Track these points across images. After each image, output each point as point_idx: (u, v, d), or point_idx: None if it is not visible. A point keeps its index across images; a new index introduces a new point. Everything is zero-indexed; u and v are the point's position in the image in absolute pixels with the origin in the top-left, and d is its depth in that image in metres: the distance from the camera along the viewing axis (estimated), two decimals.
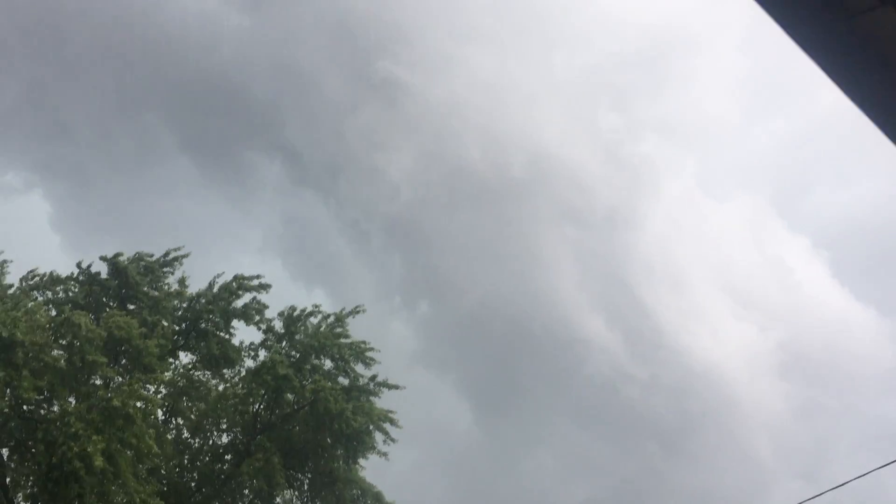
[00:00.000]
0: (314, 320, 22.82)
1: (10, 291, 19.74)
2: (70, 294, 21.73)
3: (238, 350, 22.47)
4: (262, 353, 22.50)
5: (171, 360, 22.02)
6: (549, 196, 49.94)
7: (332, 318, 22.80)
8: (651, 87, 57.86)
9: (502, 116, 51.01)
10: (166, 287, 22.81)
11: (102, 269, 22.26)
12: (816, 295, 49.77)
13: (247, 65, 50.67)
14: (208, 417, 22.50)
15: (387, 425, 21.48)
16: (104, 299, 22.10)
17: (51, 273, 21.25)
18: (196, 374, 22.62)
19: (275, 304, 23.16)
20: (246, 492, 21.82)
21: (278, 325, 22.87)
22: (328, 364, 22.37)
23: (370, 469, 22.46)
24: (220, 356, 21.97)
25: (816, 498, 10.60)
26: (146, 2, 50.03)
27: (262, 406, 22.09)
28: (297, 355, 22.12)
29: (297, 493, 22.40)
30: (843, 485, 10.23)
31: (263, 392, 21.46)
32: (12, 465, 19.33)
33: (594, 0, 57.35)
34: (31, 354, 17.46)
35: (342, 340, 22.26)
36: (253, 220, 56.31)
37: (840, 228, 56.70)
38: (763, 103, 63.15)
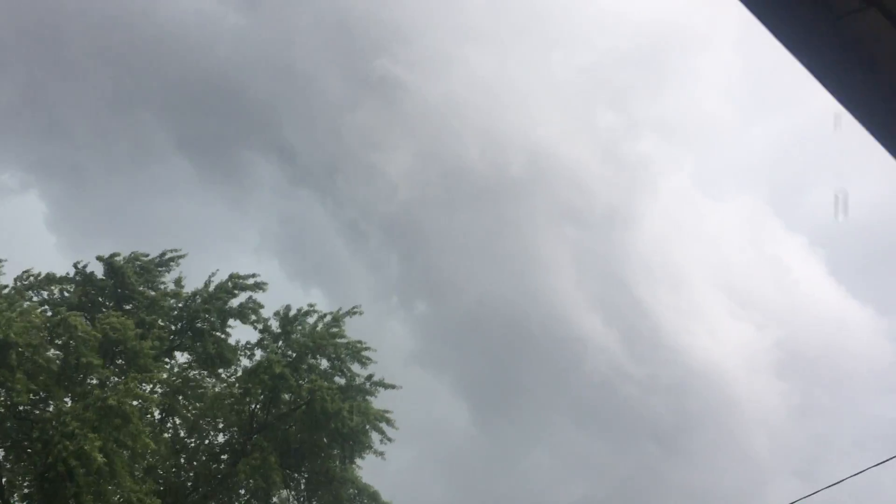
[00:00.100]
0: (311, 320, 22.82)
1: (5, 292, 19.69)
2: (66, 294, 21.70)
3: (234, 349, 22.45)
4: (259, 353, 22.51)
5: (166, 359, 22.00)
6: (548, 195, 49.96)
7: (328, 318, 22.79)
8: (649, 86, 57.81)
9: (501, 116, 51.02)
10: (162, 286, 22.79)
11: (98, 270, 22.27)
12: (813, 293, 49.86)
13: (244, 64, 50.62)
14: (205, 417, 22.48)
15: (383, 425, 21.47)
16: (100, 299, 22.08)
17: (47, 274, 21.18)
18: (192, 373, 22.59)
19: (272, 304, 23.17)
20: (242, 491, 21.81)
21: (275, 325, 22.87)
22: (324, 364, 22.38)
23: (367, 468, 22.49)
24: (216, 355, 21.95)
25: (813, 496, 10.63)
26: (143, 1, 49.97)
27: (258, 406, 22.08)
28: (294, 355, 22.10)
29: (293, 492, 22.40)
30: (839, 482, 10.25)
31: (260, 392, 21.44)
32: (8, 466, 19.30)
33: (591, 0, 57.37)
34: (25, 356, 17.42)
35: (338, 340, 22.24)
36: (250, 220, 56.28)
37: (837, 227, 56.74)
38: (760, 102, 63.25)
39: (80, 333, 18.06)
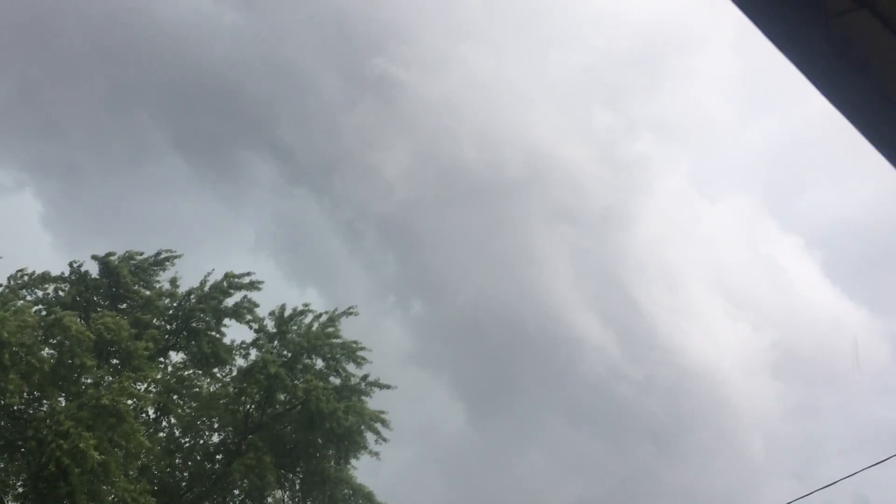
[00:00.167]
0: (306, 320, 22.78)
1: None
2: (61, 294, 21.63)
3: (229, 349, 22.41)
4: (254, 353, 22.47)
5: (161, 359, 21.93)
6: (544, 195, 49.99)
7: (324, 318, 22.76)
8: (645, 86, 57.96)
9: (497, 115, 51.05)
10: (158, 286, 22.74)
11: (94, 269, 22.20)
12: (809, 294, 49.97)
13: (240, 63, 50.58)
14: (200, 416, 22.43)
15: (378, 425, 21.44)
16: (95, 299, 22.02)
17: (41, 273, 21.11)
18: (187, 372, 22.53)
19: (267, 304, 23.15)
20: (236, 492, 21.77)
21: (270, 325, 22.84)
22: (320, 364, 22.34)
23: (363, 468, 22.47)
24: (212, 355, 21.90)
25: (807, 497, 10.63)
26: (140, 0, 49.88)
27: (253, 405, 22.04)
28: (289, 355, 22.06)
29: (288, 493, 22.36)
30: (833, 483, 10.25)
31: (255, 391, 21.40)
32: (2, 465, 19.24)
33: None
34: (19, 356, 17.35)
35: (334, 340, 22.21)
36: (246, 219, 56.26)
37: (832, 228, 56.91)
38: (757, 103, 63.34)
39: (73, 334, 17.99)
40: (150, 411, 21.25)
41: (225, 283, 22.46)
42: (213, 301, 22.18)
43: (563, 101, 53.96)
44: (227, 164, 52.53)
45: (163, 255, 22.77)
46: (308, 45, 49.47)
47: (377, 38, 47.93)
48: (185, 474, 22.38)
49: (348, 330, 22.84)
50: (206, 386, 22.64)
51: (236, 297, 22.50)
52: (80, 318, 20.42)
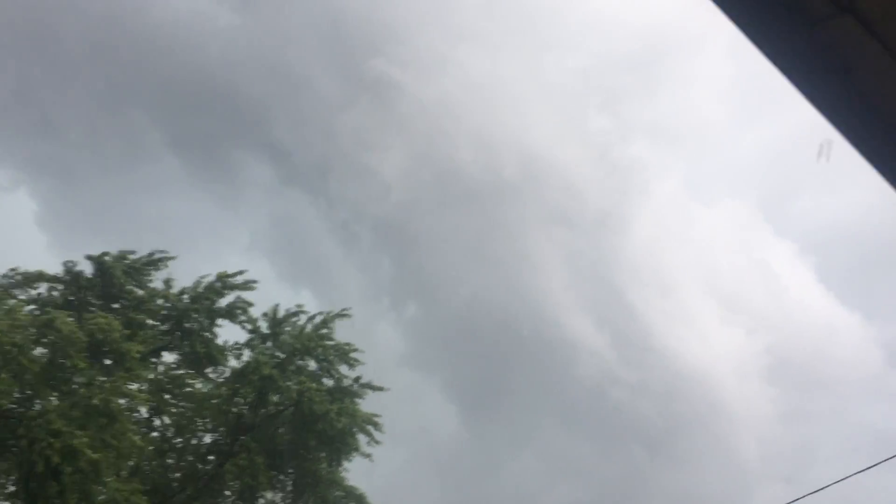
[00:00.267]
0: (300, 321, 22.75)
1: None
2: (54, 294, 21.57)
3: (222, 350, 22.37)
4: (247, 353, 22.42)
5: (153, 359, 21.86)
6: (540, 198, 50.05)
7: (317, 319, 22.74)
8: (641, 90, 58.06)
9: (494, 117, 51.08)
10: (151, 284, 22.68)
11: (88, 269, 22.13)
12: (803, 300, 50.09)
13: (236, 63, 50.49)
14: (192, 416, 22.37)
15: (370, 428, 21.42)
16: (89, 298, 21.95)
17: (34, 272, 21.03)
18: (179, 372, 22.46)
19: (261, 304, 23.10)
20: (228, 493, 21.72)
21: (263, 326, 22.80)
22: (312, 365, 22.31)
23: (357, 470, 22.44)
24: (205, 355, 21.86)
25: (798, 501, 10.64)
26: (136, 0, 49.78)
27: (246, 406, 21.99)
28: (282, 356, 22.04)
29: (280, 494, 22.32)
30: (824, 488, 10.27)
31: (249, 392, 21.36)
32: None
33: (585, 2, 57.54)
34: (10, 355, 17.28)
35: (327, 342, 22.19)
36: (241, 220, 56.08)
37: (826, 234, 57.09)
38: (752, 108, 63.39)
39: (66, 335, 17.92)
40: (143, 411, 21.19)
41: (218, 284, 22.43)
42: (207, 302, 22.14)
43: (559, 103, 54.08)
44: (222, 164, 52.42)
45: (156, 256, 22.71)
46: (304, 45, 49.46)
47: (374, 39, 47.94)
48: (177, 475, 22.32)
49: (342, 332, 22.85)
50: (198, 386, 22.58)
51: (230, 298, 22.50)
52: (73, 317, 20.37)
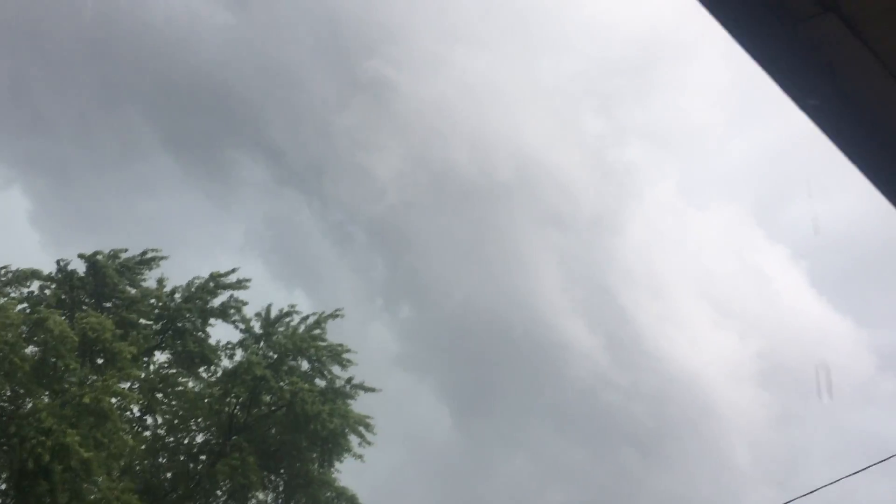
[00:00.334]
0: (293, 322, 22.72)
1: None
2: (47, 292, 21.50)
3: (214, 349, 22.33)
4: (239, 353, 22.38)
5: (144, 358, 21.80)
6: (534, 200, 50.13)
7: (310, 320, 22.72)
8: (636, 93, 58.22)
9: (489, 119, 51.15)
10: (144, 283, 22.64)
11: (80, 267, 22.07)
12: (795, 304, 50.21)
13: (231, 62, 50.49)
14: (184, 415, 22.31)
15: (362, 429, 21.39)
16: (81, 297, 21.89)
17: (25, 270, 20.95)
18: (171, 371, 22.41)
19: (255, 305, 23.11)
20: (219, 493, 21.66)
21: (257, 326, 22.79)
22: (305, 365, 22.28)
23: (349, 471, 22.40)
24: (197, 354, 21.81)
25: None
26: None
27: (238, 406, 21.95)
28: (275, 356, 22.01)
29: (272, 494, 22.27)
30: (812, 492, 10.31)
31: (241, 392, 21.32)
32: None
33: (581, 6, 57.69)
34: (1, 353, 17.21)
35: (319, 343, 22.16)
36: (234, 220, 56.05)
37: (818, 239, 57.20)
38: (746, 113, 63.64)
39: (57, 334, 17.85)
40: (135, 409, 21.14)
41: (211, 284, 22.39)
42: (199, 301, 22.10)
43: (554, 106, 54.17)
44: (216, 163, 52.32)
45: (149, 255, 22.65)
46: (300, 45, 49.48)
47: (370, 40, 47.98)
48: (169, 474, 22.26)
49: (336, 333, 22.84)
50: (190, 385, 22.54)
51: (223, 297, 22.46)
52: (65, 315, 20.31)
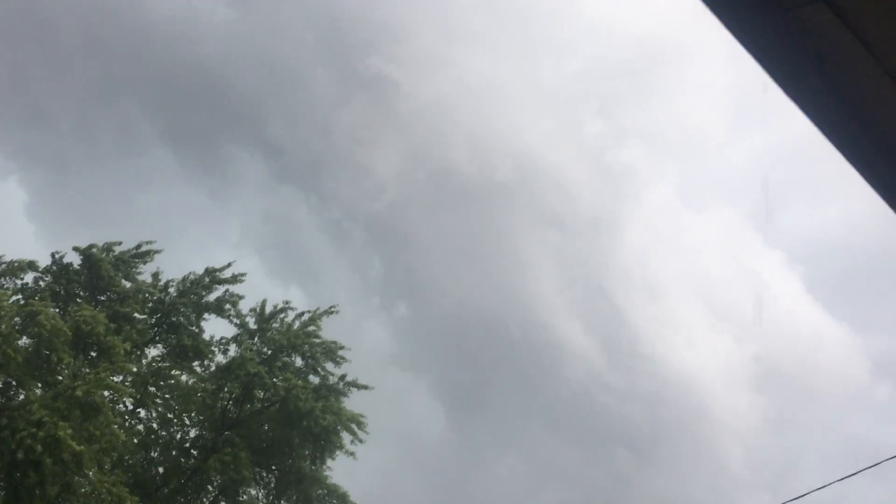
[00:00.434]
0: (287, 318, 22.70)
1: None
2: (41, 284, 21.45)
3: (209, 344, 22.28)
4: (233, 348, 22.34)
5: (137, 352, 21.74)
6: (532, 200, 50.15)
7: (305, 317, 22.67)
8: (637, 96, 58.30)
9: (489, 119, 51.14)
10: (140, 276, 22.58)
11: (75, 260, 22.01)
12: (791, 310, 50.25)
13: (232, 58, 50.40)
14: (177, 409, 22.26)
15: (354, 427, 21.35)
16: (76, 290, 21.83)
17: (20, 262, 20.88)
18: (164, 364, 22.35)
19: (250, 301, 23.05)
20: (210, 488, 21.62)
21: (251, 321, 22.73)
22: (299, 362, 22.25)
23: (341, 469, 22.37)
24: (191, 348, 21.77)
25: None
26: None
27: (231, 402, 21.91)
28: (269, 352, 21.97)
29: (263, 490, 22.24)
30: (803, 495, 10.29)
31: (234, 387, 21.28)
32: None
33: (583, 7, 57.72)
34: None
35: (314, 339, 22.13)
36: (232, 215, 55.97)
37: (815, 245, 57.35)
38: (746, 117, 63.64)
39: (49, 328, 17.78)
40: (128, 403, 21.08)
41: (206, 279, 22.34)
42: (194, 296, 22.05)
43: (554, 107, 54.21)
44: (214, 158, 52.22)
45: (143, 248, 22.58)
46: (301, 41, 49.47)
47: (371, 37, 47.97)
48: (161, 469, 22.21)
49: (331, 330, 22.81)
50: (183, 378, 22.48)
51: (218, 293, 22.42)
52: (59, 308, 20.26)
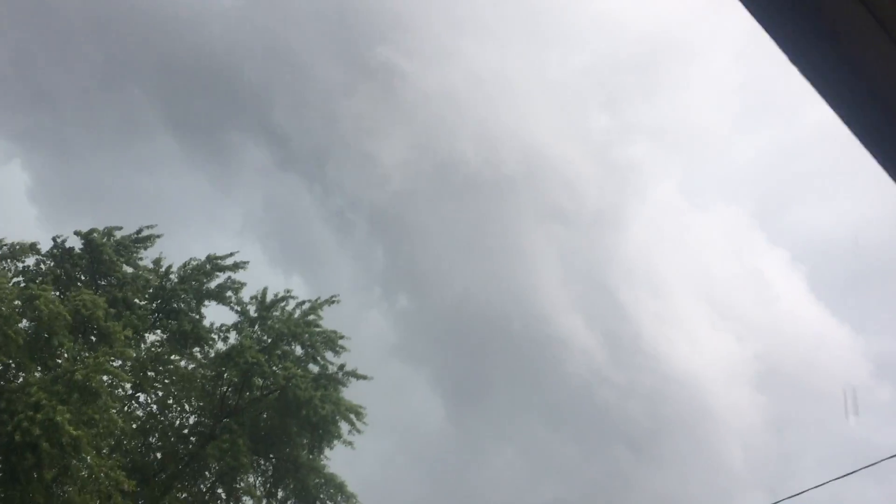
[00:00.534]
0: (288, 306, 22.67)
1: None
2: (42, 267, 21.44)
3: (208, 331, 22.27)
4: (233, 336, 22.33)
5: (137, 336, 21.72)
6: (537, 194, 49.99)
7: (306, 305, 22.65)
8: (643, 91, 58.05)
9: (496, 111, 51.01)
10: (141, 262, 22.57)
11: (77, 244, 21.99)
12: (793, 309, 50.12)
13: (238, 44, 50.24)
14: (176, 394, 22.26)
15: (353, 417, 21.34)
16: (76, 274, 21.82)
17: (21, 244, 20.85)
18: (163, 349, 22.35)
19: (252, 288, 23.05)
20: (207, 474, 21.63)
21: (252, 309, 22.70)
22: (299, 350, 22.22)
23: (339, 459, 22.37)
24: (191, 334, 21.75)
25: None
26: None
27: (230, 389, 21.90)
28: (269, 340, 21.94)
29: (260, 478, 22.25)
30: (800, 493, 10.22)
31: (234, 375, 21.26)
32: None
33: (592, 2, 57.45)
34: None
35: (314, 328, 22.10)
36: (235, 203, 55.88)
37: (819, 244, 57.12)
38: (752, 115, 63.43)
39: (47, 312, 17.76)
40: (127, 387, 21.08)
41: (208, 266, 22.32)
42: (195, 283, 22.03)
43: (561, 101, 54.05)
44: (218, 145, 52.15)
45: (144, 232, 22.54)
46: (308, 29, 49.26)
47: (379, 26, 47.79)
48: (159, 454, 22.22)
49: (332, 320, 22.78)
50: (182, 364, 22.47)
51: (219, 280, 22.40)
52: (60, 292, 20.23)
